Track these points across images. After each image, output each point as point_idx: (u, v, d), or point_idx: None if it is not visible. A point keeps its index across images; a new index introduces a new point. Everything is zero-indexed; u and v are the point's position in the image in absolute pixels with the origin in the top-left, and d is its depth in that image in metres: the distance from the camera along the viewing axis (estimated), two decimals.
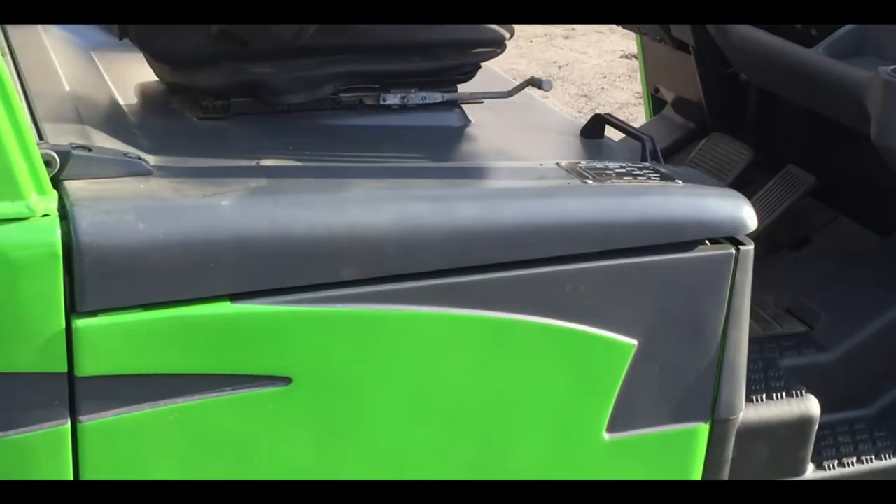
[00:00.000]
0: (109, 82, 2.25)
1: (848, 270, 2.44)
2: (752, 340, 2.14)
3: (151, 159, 1.86)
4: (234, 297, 1.69)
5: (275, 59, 2.10)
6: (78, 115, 1.99)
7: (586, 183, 1.92)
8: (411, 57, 2.23)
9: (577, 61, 5.96)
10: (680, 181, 1.98)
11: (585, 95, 5.69)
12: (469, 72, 2.31)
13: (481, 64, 2.31)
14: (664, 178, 1.98)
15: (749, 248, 1.96)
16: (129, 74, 2.27)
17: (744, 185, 2.71)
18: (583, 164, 2.01)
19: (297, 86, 2.16)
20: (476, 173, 1.97)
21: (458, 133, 2.24)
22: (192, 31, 2.02)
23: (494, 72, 2.62)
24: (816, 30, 2.36)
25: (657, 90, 3.11)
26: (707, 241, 1.96)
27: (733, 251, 1.95)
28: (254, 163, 1.94)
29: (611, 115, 2.28)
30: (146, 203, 1.67)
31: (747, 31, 2.43)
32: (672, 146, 2.98)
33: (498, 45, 2.29)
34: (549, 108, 2.50)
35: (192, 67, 2.14)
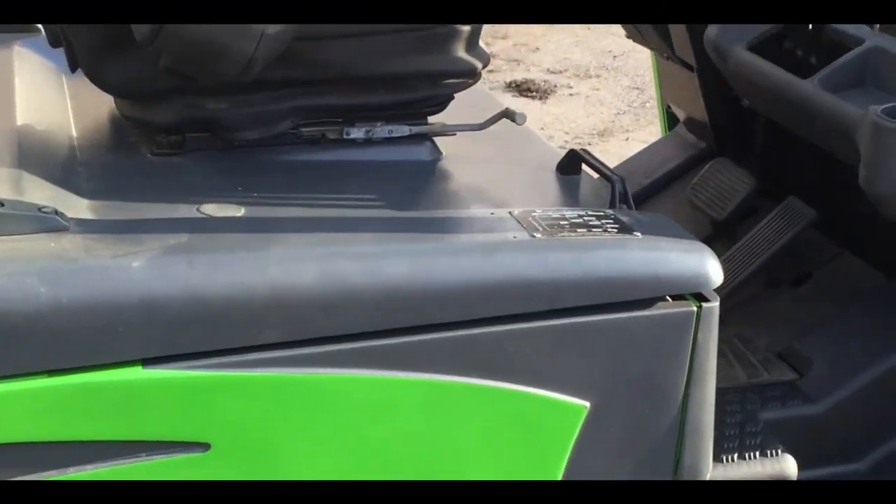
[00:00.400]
0: (71, 114, 2.19)
1: (847, 312, 2.30)
2: (734, 390, 2.03)
3: (83, 206, 1.81)
4: (147, 361, 1.62)
5: (228, 94, 2.02)
6: (17, 157, 1.93)
7: (534, 237, 1.81)
8: (376, 89, 2.13)
9: (634, 51, 5.80)
10: (639, 233, 1.86)
11: (638, 88, 5.54)
12: (441, 103, 2.21)
13: (454, 95, 2.21)
14: (623, 229, 1.86)
15: (713, 304, 1.84)
16: (97, 103, 2.21)
17: (745, 214, 2.59)
18: (538, 212, 1.90)
19: (252, 121, 2.08)
20: (420, 224, 1.86)
21: (423, 170, 2.15)
22: (141, 64, 1.94)
23: (482, 93, 2.52)
24: (816, 58, 2.22)
25: (670, 106, 2.98)
26: (669, 298, 1.84)
27: (695, 308, 1.83)
28: (193, 209, 1.87)
29: (586, 152, 2.16)
30: (51, 264, 1.60)
31: (745, 57, 2.30)
32: (681, 166, 2.85)
33: (470, 76, 2.19)
34: (532, 135, 2.39)
35: (144, 102, 2.07)
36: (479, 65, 2.18)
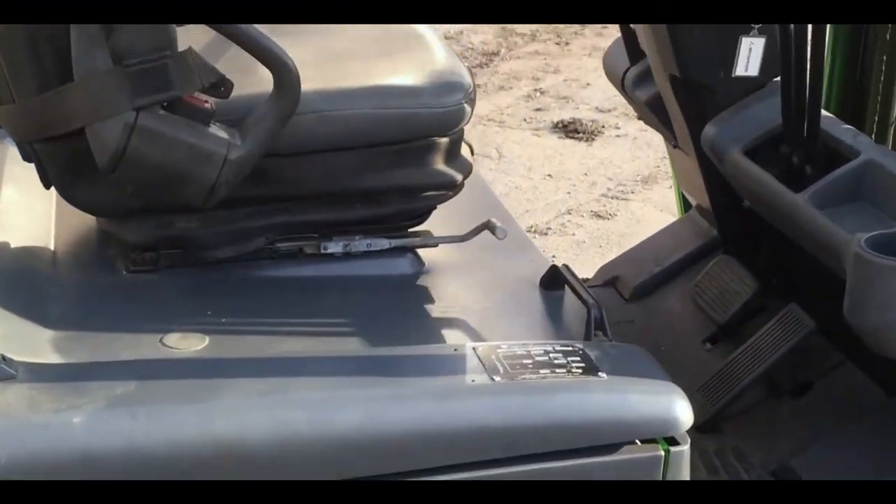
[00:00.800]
0: (53, 224, 2.19)
1: (845, 430, 2.21)
2: None
3: (42, 341, 1.80)
4: None
5: (199, 212, 2.00)
6: None
7: (493, 380, 1.76)
8: (352, 204, 2.10)
9: None
10: (606, 373, 1.80)
11: None
12: (421, 215, 2.17)
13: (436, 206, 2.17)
14: (589, 369, 1.81)
15: (683, 448, 1.78)
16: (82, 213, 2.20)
17: (747, 316, 2.51)
18: (503, 348, 1.84)
19: (225, 240, 2.06)
20: (381, 363, 1.81)
21: (400, 286, 2.11)
22: (110, 184, 1.92)
23: (479, 183, 2.47)
24: (812, 167, 2.14)
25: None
26: (638, 441, 1.78)
27: (663, 453, 1.77)
28: (156, 340, 1.85)
29: (569, 269, 2.11)
30: None
31: (740, 161, 2.23)
32: (691, 255, 2.78)
33: (450, 188, 2.15)
34: (522, 239, 2.33)
35: (117, 219, 2.06)
36: (459, 177, 2.14)
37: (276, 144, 1.95)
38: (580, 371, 1.80)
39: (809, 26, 2.03)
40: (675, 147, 2.65)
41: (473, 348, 1.85)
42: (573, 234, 4.67)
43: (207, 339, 1.86)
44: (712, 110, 2.32)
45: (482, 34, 6.75)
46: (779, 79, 2.16)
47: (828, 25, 2.08)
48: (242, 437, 1.64)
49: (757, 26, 2.20)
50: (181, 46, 1.86)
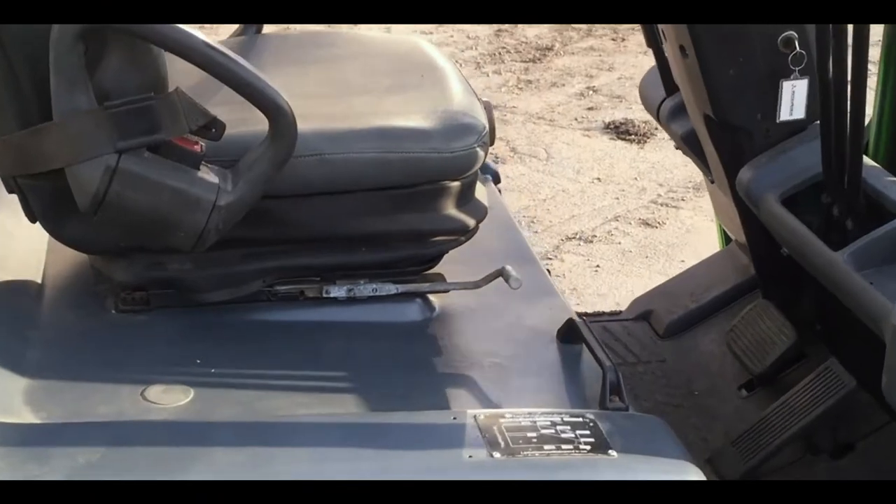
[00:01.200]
0: (45, 255, 2.08)
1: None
2: None
3: (14, 396, 1.70)
4: None
5: (192, 253, 1.88)
6: None
7: (492, 456, 1.62)
8: (356, 248, 1.97)
9: None
10: (616, 450, 1.65)
11: None
12: (431, 260, 2.03)
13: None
14: (598, 446, 1.66)
15: None
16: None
17: (785, 365, 2.35)
18: (507, 418, 1.71)
19: (219, 282, 1.94)
20: (373, 431, 1.68)
21: (406, 335, 1.98)
22: (100, 223, 1.81)
23: (502, 218, 2.33)
24: (853, 221, 1.97)
25: None
26: None
27: None
28: (137, 393, 1.74)
29: (586, 321, 1.96)
30: None
31: (776, 210, 2.07)
32: (727, 295, 2.62)
33: (461, 233, 2.01)
34: (543, 283, 2.19)
35: (106, 258, 1.94)
36: (471, 222, 2.00)
37: (274, 186, 1.83)
38: (588, 448, 1.66)
39: (850, 65, 1.86)
40: (712, 182, 2.50)
41: (475, 417, 1.71)
42: (619, 243, 4.50)
43: (192, 393, 1.75)
44: (749, 153, 2.16)
45: (537, 27, 6.57)
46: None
47: (870, 66, 1.91)
48: None
49: (797, 68, 2.04)
50: (171, 85, 1.75)
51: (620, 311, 2.84)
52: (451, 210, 1.97)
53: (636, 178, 5.02)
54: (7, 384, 1.73)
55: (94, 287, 1.99)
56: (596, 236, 4.53)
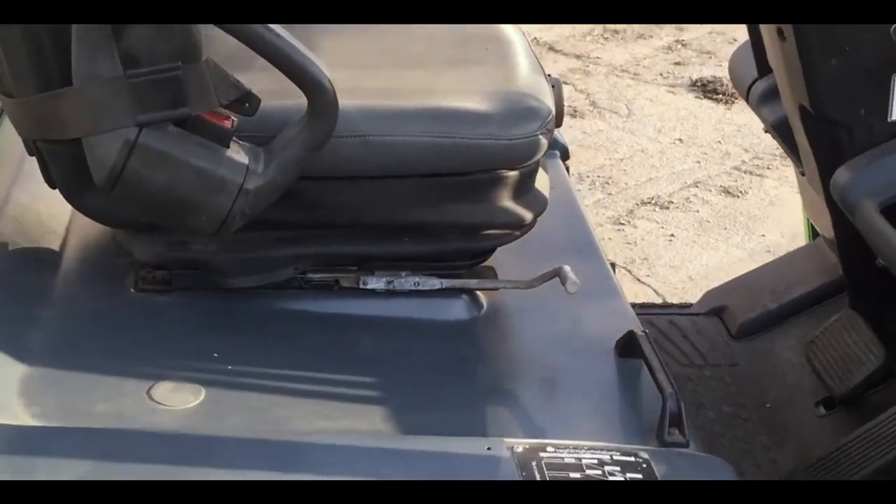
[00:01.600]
0: (68, 224, 1.92)
1: None
2: None
3: (9, 392, 1.54)
4: None
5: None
6: None
7: None
8: (398, 238, 1.78)
9: None
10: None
11: None
12: (481, 254, 1.84)
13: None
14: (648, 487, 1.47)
15: None
16: None
17: (871, 385, 2.13)
18: (548, 452, 1.51)
19: (247, 267, 1.77)
20: (392, 461, 1.49)
21: (446, 337, 1.79)
22: (118, 199, 1.64)
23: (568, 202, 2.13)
24: None
25: None
26: None
27: None
28: (143, 390, 1.57)
29: (647, 336, 1.76)
30: None
31: (874, 220, 1.84)
32: (811, 296, 2.38)
33: (516, 228, 1.81)
34: (607, 283, 1.98)
35: (128, 233, 1.78)
36: (528, 215, 1.80)
37: (311, 165, 1.65)
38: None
39: None
40: (802, 175, 2.26)
41: (512, 449, 1.52)
42: (697, 211, 4.26)
43: (203, 394, 1.59)
44: (848, 151, 1.92)
45: None
46: None
47: None
48: None
49: None
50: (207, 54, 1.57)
51: (690, 304, 2.62)
52: (506, 202, 1.77)
53: (720, 142, 4.76)
54: (4, 372, 1.58)
55: (114, 262, 1.83)
56: (673, 202, 4.30)
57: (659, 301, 3.59)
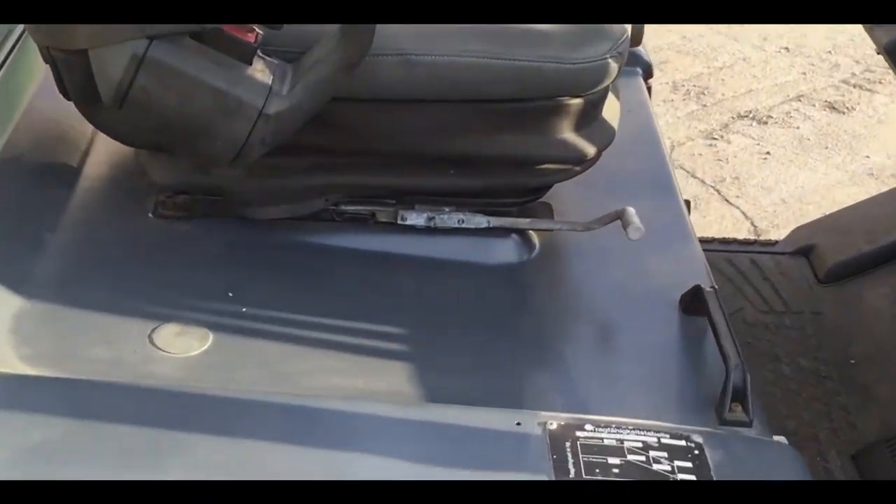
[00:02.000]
0: (92, 145, 1.77)
1: None
2: None
3: (7, 313, 1.41)
4: None
5: None
6: None
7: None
8: (443, 170, 1.60)
9: None
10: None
11: None
12: (535, 191, 1.65)
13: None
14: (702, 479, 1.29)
15: None
16: None
17: None
18: (586, 431, 1.33)
19: (273, 196, 1.61)
20: (394, 435, 1.32)
21: (490, 281, 1.62)
22: (128, 118, 1.48)
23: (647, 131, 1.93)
24: None
25: None
26: None
27: None
28: (146, 331, 1.43)
29: (716, 293, 1.56)
30: None
31: None
32: None
33: (578, 163, 1.62)
34: (680, 226, 1.78)
35: (150, 153, 1.62)
36: (591, 149, 1.61)
37: (347, 87, 1.47)
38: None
39: None
40: None
41: (545, 425, 1.34)
42: (797, 128, 3.99)
43: (210, 340, 1.44)
44: None
45: None
46: None
47: None
48: None
49: None
50: None
51: (775, 242, 2.40)
52: (566, 133, 1.57)
53: (830, 52, 4.46)
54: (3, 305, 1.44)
55: (135, 185, 1.68)
56: (772, 117, 4.03)
57: (746, 226, 3.38)
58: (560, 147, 1.58)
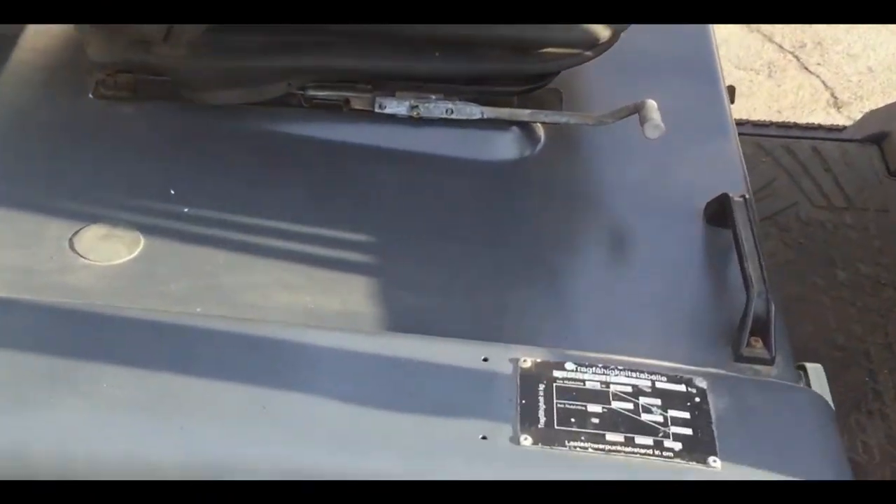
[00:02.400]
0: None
1: None
2: None
3: None
4: None
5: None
6: None
7: (518, 444, 1.05)
8: (425, 51, 1.36)
9: None
10: (718, 461, 1.05)
11: None
12: (538, 78, 1.40)
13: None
14: (697, 442, 1.06)
15: None
16: None
17: None
18: (567, 369, 1.11)
19: (227, 78, 1.38)
20: (339, 373, 1.09)
21: (481, 181, 1.39)
22: None
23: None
24: None
25: None
26: None
27: None
28: (66, 234, 1.24)
29: (747, 203, 1.31)
30: None
31: None
32: None
33: (586, 47, 1.36)
34: (717, 117, 1.52)
35: (90, 29, 1.40)
36: (605, 32, 1.35)
37: None
38: (679, 447, 1.06)
39: None
40: None
41: (517, 362, 1.12)
42: None
43: (141, 245, 1.24)
44: None
45: None
46: None
47: None
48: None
49: None
50: None
51: (843, 128, 2.11)
52: None
53: None
54: None
55: (77, 62, 1.46)
56: None
57: (825, 96, 3.07)
58: (566, 28, 1.32)
